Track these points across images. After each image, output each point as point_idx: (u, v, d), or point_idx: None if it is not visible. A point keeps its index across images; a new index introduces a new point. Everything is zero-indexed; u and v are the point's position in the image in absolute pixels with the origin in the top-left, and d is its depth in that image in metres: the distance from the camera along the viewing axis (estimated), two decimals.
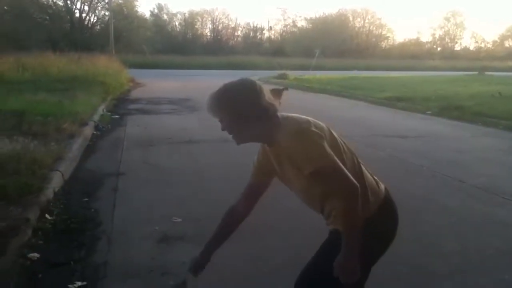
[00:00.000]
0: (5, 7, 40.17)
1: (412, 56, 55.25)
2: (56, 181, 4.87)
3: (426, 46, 66.73)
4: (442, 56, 58.52)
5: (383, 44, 65.53)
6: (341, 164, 1.70)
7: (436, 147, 7.58)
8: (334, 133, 1.89)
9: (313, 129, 1.75)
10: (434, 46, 67.94)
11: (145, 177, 5.47)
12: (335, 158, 1.70)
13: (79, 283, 2.95)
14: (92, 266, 3.21)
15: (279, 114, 1.85)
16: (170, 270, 3.16)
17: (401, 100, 14.02)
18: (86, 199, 4.61)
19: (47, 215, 4.03)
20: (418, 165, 6.30)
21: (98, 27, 44.79)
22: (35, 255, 3.32)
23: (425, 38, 79.21)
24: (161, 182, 5.30)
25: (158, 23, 55.37)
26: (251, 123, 1.81)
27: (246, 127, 1.83)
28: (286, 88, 2.47)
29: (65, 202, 4.48)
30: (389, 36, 66.48)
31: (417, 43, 67.18)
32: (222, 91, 1.84)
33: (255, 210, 2.16)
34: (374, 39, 63.78)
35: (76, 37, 37.58)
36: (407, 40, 68.57)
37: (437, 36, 68.74)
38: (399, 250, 3.36)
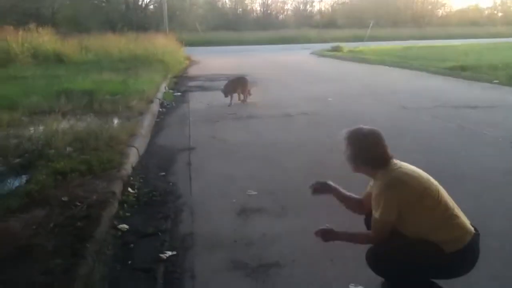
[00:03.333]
0: None
1: (472, 23, 52.24)
2: (132, 157, 5.08)
3: (486, 12, 62.75)
4: (504, 22, 54.85)
5: (440, 12, 62.29)
6: (386, 223, 2.31)
7: (510, 118, 7.20)
8: (433, 188, 2.30)
9: (396, 188, 2.26)
10: (495, 12, 63.77)
11: (215, 152, 5.60)
12: (390, 217, 2.28)
13: (169, 253, 3.09)
14: (179, 237, 3.35)
15: (393, 161, 2.37)
16: (253, 241, 3.24)
17: (465, 70, 13.34)
18: (163, 173, 4.78)
19: (129, 189, 4.23)
20: (493, 136, 6.01)
21: (152, 7, 45.47)
22: (124, 226, 3.50)
23: (485, 3, 74.36)
24: (231, 156, 5.41)
25: (209, 0, 55.47)
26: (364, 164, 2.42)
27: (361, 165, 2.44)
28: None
29: (143, 176, 4.67)
30: (445, 3, 63.04)
31: (477, 9, 63.25)
32: (353, 134, 2.41)
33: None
34: (430, 7, 60.66)
35: (131, 17, 38.35)
36: (465, 6, 64.78)
37: (498, 0, 64.46)
38: (488, 224, 3.27)
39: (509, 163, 4.91)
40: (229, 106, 8.65)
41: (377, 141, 2.37)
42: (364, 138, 2.38)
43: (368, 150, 2.37)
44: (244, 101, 9.05)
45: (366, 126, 2.42)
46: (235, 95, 9.01)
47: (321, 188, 2.69)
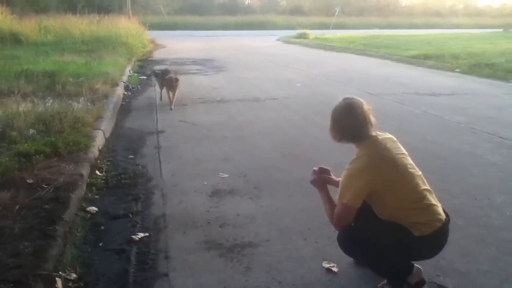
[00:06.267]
0: None
1: (435, 13, 53.57)
2: (99, 139, 4.95)
3: (448, 4, 64.40)
4: (465, 13, 56.54)
5: (404, 1, 63.45)
6: (353, 209, 2.25)
7: (471, 104, 7.44)
8: (408, 174, 2.28)
9: (367, 168, 2.24)
10: (457, 3, 65.51)
11: (184, 135, 5.52)
12: (358, 204, 2.25)
13: (142, 234, 3.03)
14: (151, 218, 3.29)
15: (374, 133, 2.33)
16: (227, 221, 3.23)
17: (428, 58, 13.71)
18: (131, 156, 4.69)
19: (97, 172, 4.12)
20: (455, 122, 6.21)
21: None
22: (93, 208, 3.42)
23: None
24: (201, 139, 5.35)
25: None
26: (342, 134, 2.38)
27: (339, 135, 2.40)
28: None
29: (111, 159, 4.57)
30: None
31: (439, 0, 64.84)
32: (335, 104, 2.38)
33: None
34: None
35: None
36: None
37: None
38: (452, 203, 3.39)
39: (471, 146, 5.09)
40: (161, 100, 7.48)
41: (349, 114, 2.31)
42: (338, 109, 2.36)
43: (337, 121, 2.35)
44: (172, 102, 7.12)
45: (356, 98, 2.36)
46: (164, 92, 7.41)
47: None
